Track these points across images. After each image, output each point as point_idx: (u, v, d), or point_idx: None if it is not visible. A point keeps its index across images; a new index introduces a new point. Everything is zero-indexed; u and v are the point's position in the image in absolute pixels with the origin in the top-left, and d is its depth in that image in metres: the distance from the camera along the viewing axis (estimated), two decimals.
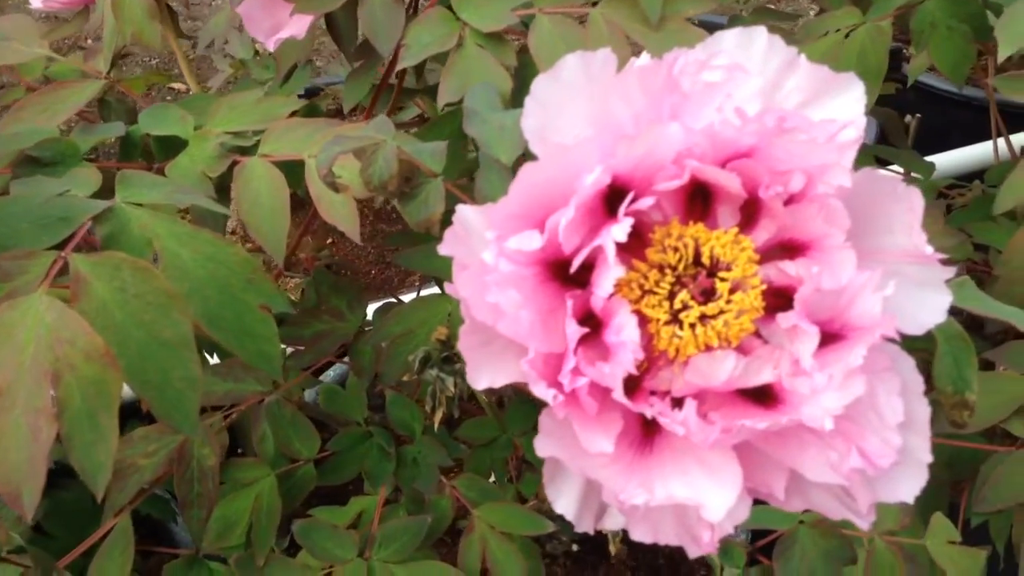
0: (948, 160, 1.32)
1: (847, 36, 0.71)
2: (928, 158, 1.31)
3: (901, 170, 0.92)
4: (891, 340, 0.33)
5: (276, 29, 0.54)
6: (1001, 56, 0.60)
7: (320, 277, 0.62)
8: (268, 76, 1.00)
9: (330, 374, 1.00)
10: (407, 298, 0.61)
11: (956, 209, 0.90)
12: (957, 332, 0.40)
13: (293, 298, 1.09)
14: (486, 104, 0.46)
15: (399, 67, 0.48)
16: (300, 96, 1.06)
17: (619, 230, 0.32)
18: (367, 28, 0.48)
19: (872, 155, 0.89)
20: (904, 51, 1.30)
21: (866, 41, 0.70)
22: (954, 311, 0.43)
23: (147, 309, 0.34)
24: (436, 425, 0.49)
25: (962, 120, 1.40)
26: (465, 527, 0.58)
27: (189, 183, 0.46)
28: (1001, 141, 0.93)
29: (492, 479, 0.76)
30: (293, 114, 0.52)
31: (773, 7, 2.04)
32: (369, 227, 1.46)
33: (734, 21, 0.83)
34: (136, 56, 2.12)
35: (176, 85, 2.04)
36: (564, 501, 0.36)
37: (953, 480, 0.74)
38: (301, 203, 0.52)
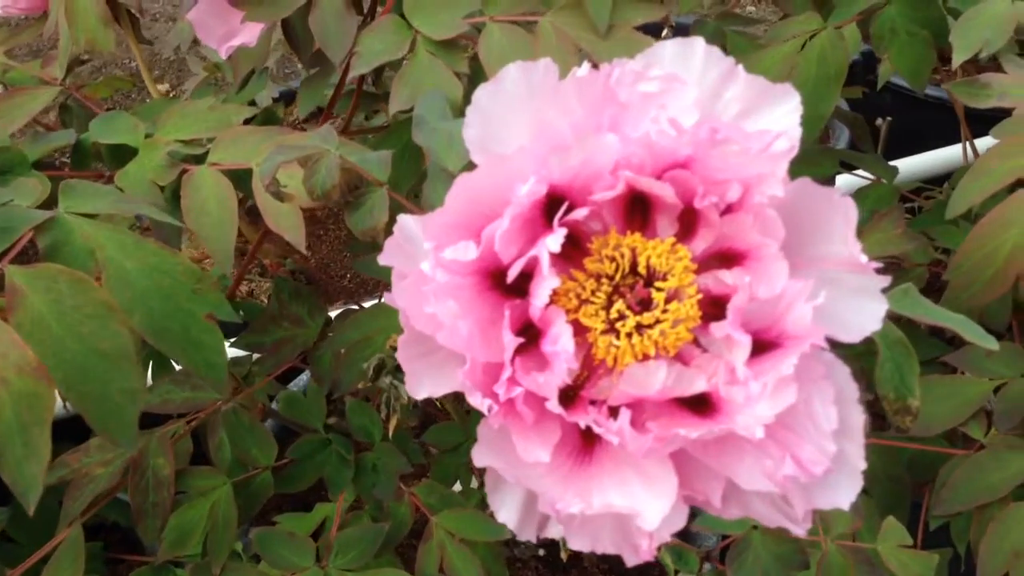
0: (920, 163, 1.33)
1: (809, 41, 0.71)
2: (902, 161, 1.32)
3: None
4: (828, 348, 0.34)
5: (229, 36, 0.54)
6: (956, 62, 0.61)
7: (281, 284, 0.62)
8: None
9: (303, 378, 0.99)
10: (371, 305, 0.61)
11: (922, 213, 0.91)
12: (898, 338, 0.40)
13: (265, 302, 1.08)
14: (436, 112, 0.46)
15: (351, 75, 0.48)
16: (275, 99, 1.06)
17: (553, 240, 0.32)
18: (318, 36, 0.48)
19: (837, 159, 0.89)
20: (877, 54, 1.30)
21: (826, 46, 0.70)
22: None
23: (85, 321, 0.34)
24: (390, 432, 0.49)
25: (939, 122, 1.41)
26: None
27: (138, 192, 0.45)
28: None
29: (459, 484, 0.76)
30: (249, 121, 0.52)
31: (754, 12, 2.04)
32: (346, 232, 1.45)
33: (698, 26, 0.83)
34: (117, 60, 2.10)
35: (159, 86, 2.02)
36: (506, 511, 0.36)
37: (915, 483, 0.75)
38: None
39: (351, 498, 0.66)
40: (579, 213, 0.33)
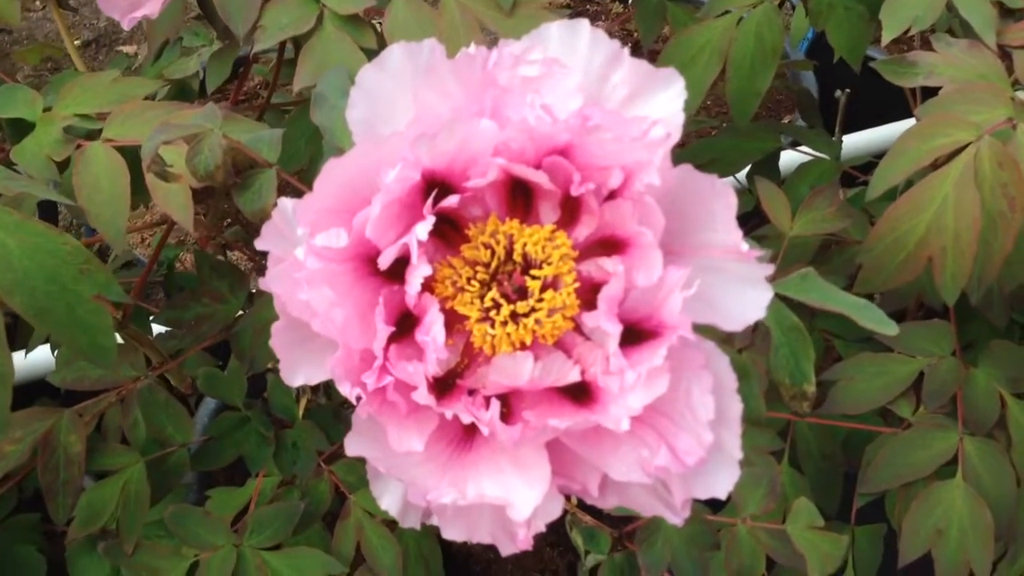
0: (874, 137, 1.32)
1: (746, 15, 0.70)
2: (854, 135, 1.31)
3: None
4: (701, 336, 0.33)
5: (134, 7, 0.52)
6: (884, 40, 0.60)
7: (201, 259, 0.61)
8: (199, 43, 0.99)
9: None
10: None
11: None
12: (793, 324, 0.40)
13: None
14: (338, 90, 0.45)
15: (255, 49, 0.47)
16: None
17: (421, 228, 0.31)
18: (220, 8, 0.47)
19: (780, 134, 0.89)
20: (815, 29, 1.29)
21: (763, 22, 0.69)
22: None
23: None
24: (301, 411, 0.49)
25: (903, 94, 1.40)
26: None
27: (34, 168, 0.44)
28: None
29: None
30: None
31: None
32: None
33: (639, 2, 0.82)
34: (86, 22, 2.05)
35: (124, 48, 1.98)
36: (388, 499, 0.36)
37: (851, 460, 0.75)
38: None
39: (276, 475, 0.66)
40: (451, 200, 0.33)
